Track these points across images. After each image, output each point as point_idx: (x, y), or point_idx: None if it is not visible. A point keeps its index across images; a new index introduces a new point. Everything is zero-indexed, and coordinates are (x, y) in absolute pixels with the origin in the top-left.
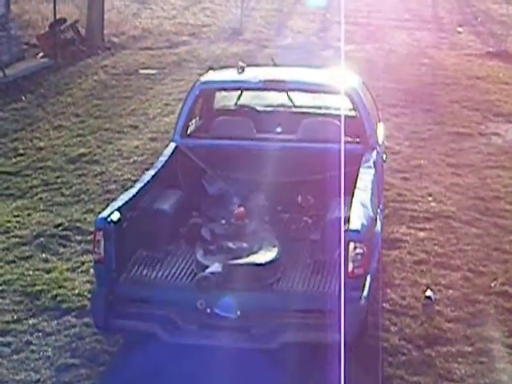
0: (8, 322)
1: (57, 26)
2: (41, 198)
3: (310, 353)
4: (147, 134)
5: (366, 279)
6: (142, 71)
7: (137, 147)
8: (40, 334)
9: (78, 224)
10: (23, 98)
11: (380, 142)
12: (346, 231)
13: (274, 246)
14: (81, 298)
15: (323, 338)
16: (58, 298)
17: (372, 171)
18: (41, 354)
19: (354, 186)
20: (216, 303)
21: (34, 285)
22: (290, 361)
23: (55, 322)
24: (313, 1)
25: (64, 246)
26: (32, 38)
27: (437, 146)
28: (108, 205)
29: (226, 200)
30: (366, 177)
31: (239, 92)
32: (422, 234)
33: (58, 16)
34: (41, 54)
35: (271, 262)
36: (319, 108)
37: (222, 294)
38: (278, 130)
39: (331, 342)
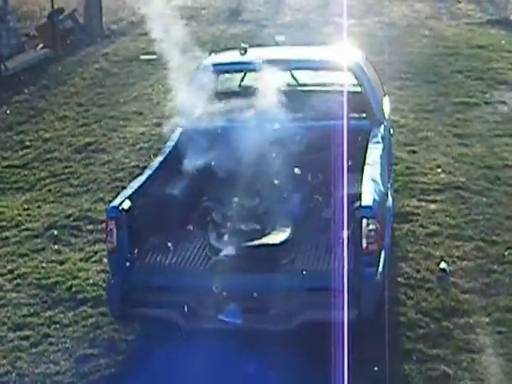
0: (25, 316)
1: (55, 16)
2: (50, 190)
3: (328, 331)
4: (152, 119)
5: (380, 255)
6: (142, 57)
7: (142, 133)
8: (57, 325)
9: (88, 213)
10: (25, 90)
11: (386, 116)
12: (358, 208)
13: (287, 226)
14: (96, 288)
15: (340, 316)
16: (73, 289)
17: (380, 146)
18: (59, 345)
19: (364, 162)
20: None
21: (49, 277)
22: (307, 339)
23: (71, 313)
24: None
25: (76, 237)
26: (31, 29)
27: (442, 117)
28: (118, 193)
29: (235, 182)
30: (374, 152)
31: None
32: (433, 206)
33: (55, 6)
34: (40, 45)
35: (285, 242)
36: (324, 85)
37: (237, 276)
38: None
39: (348, 320)
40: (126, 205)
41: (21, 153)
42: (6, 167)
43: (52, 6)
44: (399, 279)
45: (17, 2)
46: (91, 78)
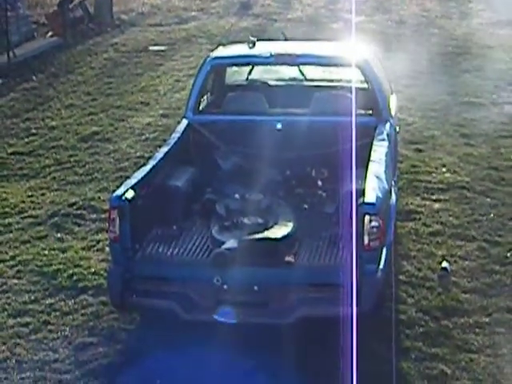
0: (25, 303)
1: (65, 5)
2: (54, 178)
3: (328, 326)
4: (159, 110)
5: (381, 252)
6: (151, 48)
7: (149, 124)
8: (57, 313)
9: (92, 202)
10: (34, 77)
11: (393, 113)
12: (361, 204)
13: (290, 221)
14: (97, 277)
15: (340, 311)
16: (75, 277)
17: (386, 143)
18: (58, 333)
19: (368, 159)
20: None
21: (50, 264)
22: (306, 335)
23: (72, 301)
24: None
25: (79, 225)
26: (41, 17)
27: (449, 116)
28: (122, 183)
29: (239, 175)
30: (379, 149)
31: (250, 67)
32: (436, 205)
33: None
34: (50, 33)
35: (287, 236)
36: (331, 81)
37: (238, 269)
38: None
39: (348, 316)
40: (130, 194)
41: (26, 140)
42: (11, 154)
43: None
44: (400, 277)
45: None
46: (99, 67)
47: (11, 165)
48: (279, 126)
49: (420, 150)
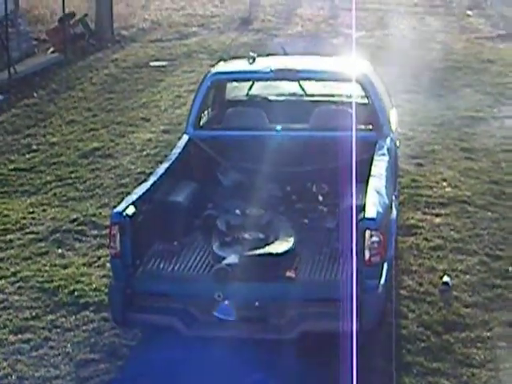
0: (27, 319)
1: (66, 21)
2: (55, 194)
3: (329, 342)
4: (160, 126)
5: (382, 267)
6: (152, 63)
7: (150, 140)
8: (58, 329)
9: (93, 218)
10: (35, 93)
11: (393, 128)
12: (361, 219)
13: (290, 236)
14: (98, 293)
15: (341, 327)
16: (76, 294)
17: (386, 158)
18: (60, 349)
19: (369, 174)
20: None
21: (51, 281)
22: (307, 350)
23: (73, 317)
24: None
25: (80, 241)
26: (41, 33)
27: (450, 130)
28: (123, 199)
29: (240, 191)
30: (380, 164)
31: (250, 82)
32: (437, 220)
33: (66, 10)
34: (51, 50)
35: (288, 252)
36: (331, 96)
37: (239, 285)
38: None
39: (349, 331)
40: (131, 210)
41: (27, 156)
42: (12, 170)
43: (63, 11)
44: (402, 292)
45: (28, 6)
46: (100, 83)
47: (12, 181)
48: (280, 138)
49: (421, 165)
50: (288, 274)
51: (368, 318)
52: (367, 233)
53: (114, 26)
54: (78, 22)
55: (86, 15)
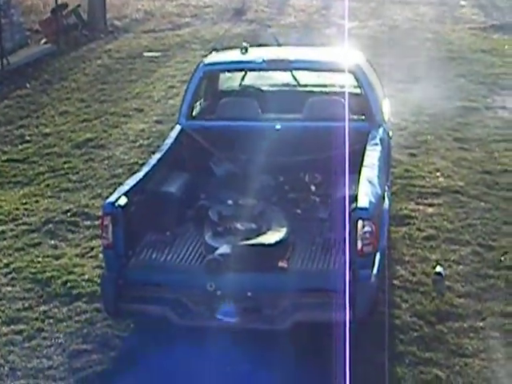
0: (19, 310)
1: (59, 12)
2: (48, 185)
3: (322, 331)
4: (153, 116)
5: (375, 257)
6: (145, 54)
7: (143, 130)
8: (51, 320)
9: (85, 209)
10: (27, 84)
11: (386, 118)
12: (354, 209)
13: (283, 226)
14: (91, 284)
15: (334, 317)
16: (69, 284)
17: (379, 148)
18: (52, 340)
19: (361, 164)
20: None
21: (44, 271)
22: (301, 340)
23: (66, 308)
24: None
25: (73, 232)
26: (34, 24)
27: (443, 120)
28: (115, 189)
29: (233, 181)
30: (372, 154)
31: (243, 73)
32: (430, 210)
33: (59, 1)
34: (44, 40)
35: (280, 242)
36: (324, 86)
37: (231, 275)
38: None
39: (342, 321)
40: (123, 201)
41: (20, 147)
42: (5, 161)
43: (56, 1)
44: (394, 282)
45: None
46: (93, 74)
47: (5, 172)
48: (275, 128)
49: (413, 155)
50: (280, 264)
51: (361, 307)
52: (359, 223)
53: (106, 16)
54: (70, 13)
55: (78, 6)
